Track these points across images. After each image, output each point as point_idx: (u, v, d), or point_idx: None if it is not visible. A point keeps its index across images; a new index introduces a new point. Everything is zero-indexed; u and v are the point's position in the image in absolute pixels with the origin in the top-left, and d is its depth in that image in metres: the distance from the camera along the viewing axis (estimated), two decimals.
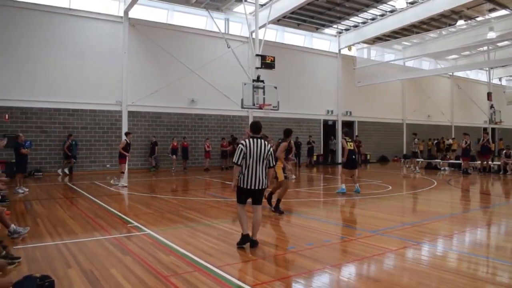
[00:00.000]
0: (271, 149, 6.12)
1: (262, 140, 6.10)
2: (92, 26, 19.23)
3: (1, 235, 6.23)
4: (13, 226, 6.56)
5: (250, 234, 6.12)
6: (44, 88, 17.87)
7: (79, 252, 5.81)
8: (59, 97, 18.16)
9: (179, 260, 5.43)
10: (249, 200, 6.20)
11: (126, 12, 19.62)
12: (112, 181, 14.70)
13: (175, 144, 20.42)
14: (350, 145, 12.16)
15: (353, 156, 12.28)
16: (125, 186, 13.69)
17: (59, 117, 18.33)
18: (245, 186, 6.00)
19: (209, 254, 5.68)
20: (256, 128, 6.24)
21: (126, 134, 14.81)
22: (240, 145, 6.08)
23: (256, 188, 6.00)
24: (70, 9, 18.59)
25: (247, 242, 6.03)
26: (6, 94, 17.05)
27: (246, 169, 5.99)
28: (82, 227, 7.52)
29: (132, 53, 19.99)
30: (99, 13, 19.34)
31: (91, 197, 11.34)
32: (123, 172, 14.35)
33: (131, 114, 20.06)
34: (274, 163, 6.17)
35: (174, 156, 20.34)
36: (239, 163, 5.99)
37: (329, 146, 27.50)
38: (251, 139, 6.08)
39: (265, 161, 6.07)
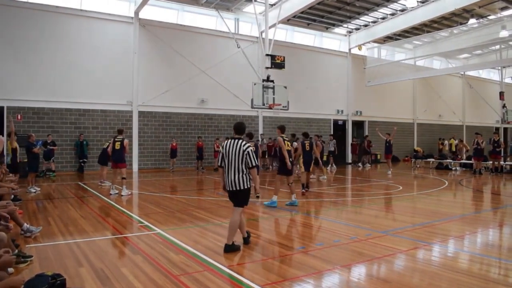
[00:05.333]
0: (249, 149, 5.81)
1: (240, 141, 5.86)
2: (103, 27, 19.40)
3: (14, 234, 6.31)
4: (26, 225, 6.66)
5: (245, 235, 6.25)
6: (55, 89, 18.06)
7: (90, 251, 5.86)
8: (70, 97, 18.35)
9: (189, 260, 5.45)
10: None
11: (136, 12, 19.78)
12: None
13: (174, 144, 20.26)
14: (288, 145, 10.03)
15: (290, 159, 9.94)
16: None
17: (70, 117, 18.52)
18: (225, 188, 6.06)
19: (219, 254, 5.70)
20: (238, 129, 6.05)
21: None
22: (220, 147, 6.11)
23: (229, 189, 5.94)
24: (81, 10, 18.76)
25: (248, 242, 6.17)
26: (19, 95, 17.28)
27: (226, 171, 5.94)
28: (93, 226, 7.59)
29: (142, 54, 20.13)
30: (109, 14, 19.49)
31: (102, 196, 11.45)
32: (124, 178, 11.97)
33: (141, 114, 20.19)
34: (254, 164, 5.81)
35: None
36: (220, 165, 6.04)
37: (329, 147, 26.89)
38: (230, 140, 5.96)
39: (242, 162, 5.79)
